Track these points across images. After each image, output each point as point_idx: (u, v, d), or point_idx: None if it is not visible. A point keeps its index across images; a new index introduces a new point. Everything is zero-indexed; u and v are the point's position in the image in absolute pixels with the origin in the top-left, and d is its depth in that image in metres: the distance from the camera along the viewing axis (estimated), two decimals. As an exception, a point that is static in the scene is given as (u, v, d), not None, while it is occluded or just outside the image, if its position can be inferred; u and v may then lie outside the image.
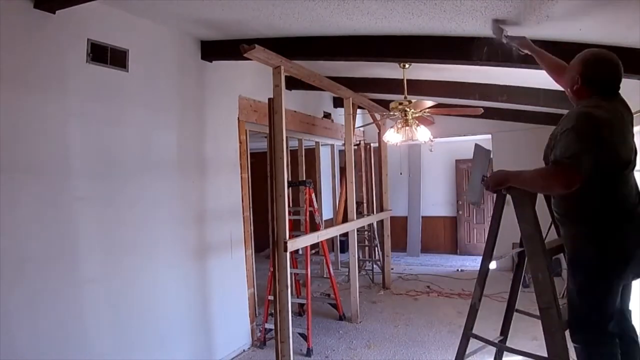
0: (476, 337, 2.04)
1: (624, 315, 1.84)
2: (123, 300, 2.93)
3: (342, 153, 6.18)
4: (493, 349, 2.20)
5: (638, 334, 1.87)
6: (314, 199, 4.60)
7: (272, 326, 3.69)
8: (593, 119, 1.64)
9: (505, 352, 2.11)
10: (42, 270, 2.44)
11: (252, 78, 4.34)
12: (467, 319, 2.09)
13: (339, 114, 6.45)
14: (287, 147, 3.40)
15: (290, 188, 4.38)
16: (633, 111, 2.69)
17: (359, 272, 5.58)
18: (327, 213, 7.43)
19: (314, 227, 4.56)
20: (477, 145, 4.81)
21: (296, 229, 5.05)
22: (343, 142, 5.43)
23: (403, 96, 4.30)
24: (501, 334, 2.17)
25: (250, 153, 4.45)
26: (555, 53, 2.70)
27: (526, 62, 2.87)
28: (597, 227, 1.71)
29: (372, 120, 6.17)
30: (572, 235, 1.83)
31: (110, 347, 2.81)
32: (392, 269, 6.53)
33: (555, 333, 1.65)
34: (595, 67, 1.80)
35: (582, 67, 1.81)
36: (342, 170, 5.54)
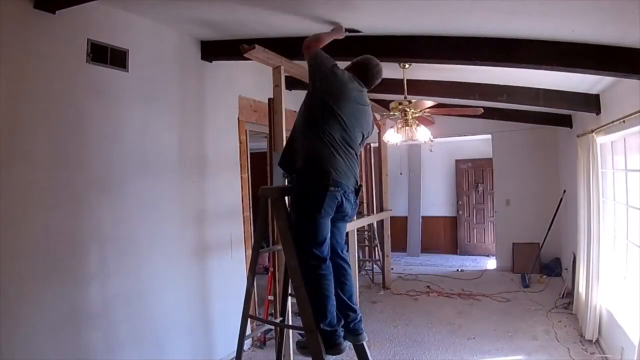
0: (253, 317, 2.34)
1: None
2: (122, 300, 2.93)
3: (342, 153, 6.16)
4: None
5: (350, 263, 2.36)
6: (314, 199, 4.58)
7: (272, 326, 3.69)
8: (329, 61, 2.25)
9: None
10: (42, 269, 2.44)
11: (252, 78, 4.33)
12: (245, 302, 2.37)
13: (339, 114, 6.43)
14: (287, 147, 3.39)
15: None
16: (632, 111, 2.71)
17: (359, 272, 5.58)
18: (327, 213, 7.41)
19: (314, 227, 4.55)
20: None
21: (296, 229, 5.03)
22: (343, 142, 5.42)
23: (403, 96, 4.29)
24: (281, 315, 2.53)
25: (250, 153, 4.45)
26: (555, 53, 2.71)
27: (527, 62, 2.87)
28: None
29: (372, 120, 6.15)
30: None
31: (109, 347, 2.81)
32: (392, 269, 6.54)
33: (306, 307, 2.05)
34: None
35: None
36: (342, 170, 5.52)
